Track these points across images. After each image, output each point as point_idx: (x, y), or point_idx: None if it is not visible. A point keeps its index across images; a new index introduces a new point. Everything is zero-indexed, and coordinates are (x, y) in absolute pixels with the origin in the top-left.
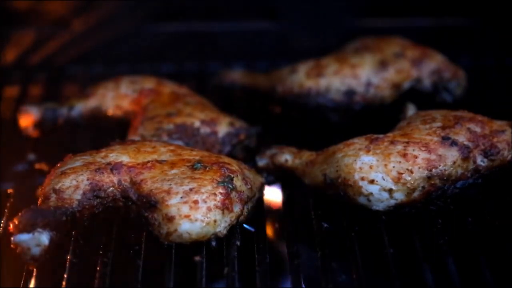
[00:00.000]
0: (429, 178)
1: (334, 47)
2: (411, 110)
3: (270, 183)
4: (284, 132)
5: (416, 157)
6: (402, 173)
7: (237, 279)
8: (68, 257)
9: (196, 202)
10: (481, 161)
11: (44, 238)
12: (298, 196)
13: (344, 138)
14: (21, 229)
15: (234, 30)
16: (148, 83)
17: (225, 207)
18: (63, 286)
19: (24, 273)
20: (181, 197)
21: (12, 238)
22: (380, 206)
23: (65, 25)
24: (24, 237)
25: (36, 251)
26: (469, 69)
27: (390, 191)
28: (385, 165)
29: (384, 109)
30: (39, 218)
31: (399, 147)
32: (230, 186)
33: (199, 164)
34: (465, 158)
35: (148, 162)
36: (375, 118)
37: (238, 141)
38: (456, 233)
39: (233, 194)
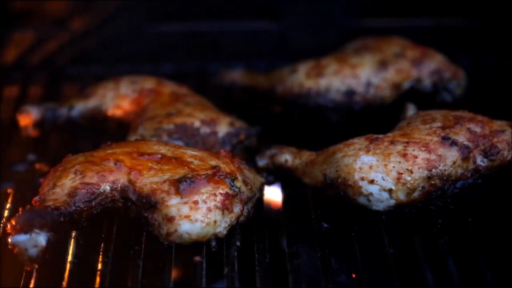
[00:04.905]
0: (429, 178)
1: (334, 47)
2: (411, 110)
3: (270, 183)
4: (284, 132)
5: (416, 157)
6: (402, 173)
7: (237, 279)
8: (68, 257)
9: (196, 202)
10: (481, 161)
11: (41, 239)
12: (298, 196)
13: (344, 138)
14: (18, 230)
15: (234, 30)
16: (148, 83)
17: (225, 208)
18: (63, 286)
19: (24, 273)
20: (181, 198)
21: (9, 239)
22: (380, 206)
23: (65, 25)
24: (21, 238)
25: (33, 252)
26: (469, 69)
27: (390, 191)
28: (385, 165)
29: (384, 109)
30: (36, 219)
31: (399, 147)
32: (236, 187)
33: None
34: (465, 158)
35: (148, 162)
36: (375, 118)
37: (238, 141)
38: (456, 233)
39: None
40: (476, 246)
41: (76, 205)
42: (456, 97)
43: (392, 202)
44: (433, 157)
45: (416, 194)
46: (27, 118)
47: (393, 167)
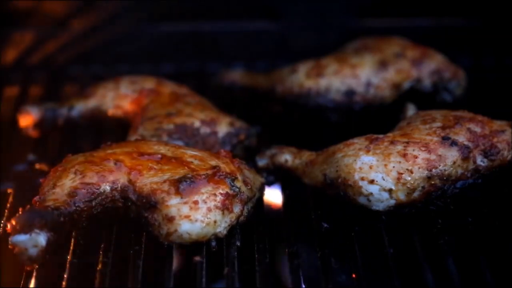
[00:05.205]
0: (429, 178)
1: (334, 47)
2: (411, 110)
3: (270, 183)
4: (284, 132)
5: (416, 157)
6: (402, 173)
7: (237, 279)
8: (68, 257)
9: (196, 202)
10: (481, 161)
11: (41, 239)
12: (298, 196)
13: (344, 138)
14: (18, 230)
15: (234, 30)
16: (148, 83)
17: (225, 208)
18: (63, 286)
19: (24, 273)
20: (181, 198)
21: (9, 239)
22: (380, 206)
23: (65, 25)
24: (21, 238)
25: (33, 252)
26: (469, 69)
27: (390, 191)
28: (385, 165)
29: (384, 109)
30: (36, 219)
31: (399, 147)
32: (236, 187)
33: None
34: (465, 158)
35: (148, 162)
36: (375, 118)
37: (238, 141)
38: (456, 233)
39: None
40: (476, 246)
41: (76, 205)
42: (456, 97)
43: (392, 202)
44: (433, 157)
45: (416, 194)
46: (27, 118)
47: (393, 167)
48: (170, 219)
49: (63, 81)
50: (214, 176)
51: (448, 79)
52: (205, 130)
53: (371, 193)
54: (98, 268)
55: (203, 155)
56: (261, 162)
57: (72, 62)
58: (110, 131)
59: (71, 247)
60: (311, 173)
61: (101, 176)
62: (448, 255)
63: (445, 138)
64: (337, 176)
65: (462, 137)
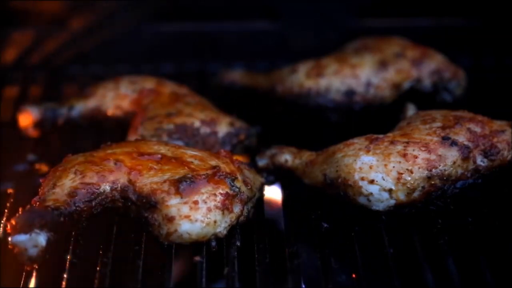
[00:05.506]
0: (429, 178)
1: (334, 47)
2: (411, 110)
3: (270, 183)
4: (284, 132)
5: (416, 157)
6: (402, 173)
7: (237, 279)
8: (68, 257)
9: (196, 202)
10: (481, 161)
11: (41, 239)
12: (298, 196)
13: (344, 138)
14: (18, 230)
15: (234, 30)
16: (148, 83)
17: (225, 208)
18: (63, 286)
19: (24, 273)
20: (181, 198)
21: (9, 239)
22: (380, 206)
23: (65, 25)
24: (21, 238)
25: (33, 252)
26: (469, 69)
27: (390, 191)
28: (385, 165)
29: (384, 109)
30: (36, 219)
31: (399, 147)
32: (236, 187)
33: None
34: (465, 158)
35: (148, 162)
36: (375, 118)
37: (238, 141)
38: (456, 233)
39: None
40: (476, 246)
41: (76, 205)
42: (456, 97)
43: (392, 202)
44: (433, 157)
45: (416, 194)
46: (27, 118)
47: (393, 167)
48: (170, 219)
49: (63, 81)
50: (214, 176)
51: (448, 79)
52: (205, 130)
53: (371, 193)
54: (98, 268)
55: (203, 155)
56: (261, 162)
57: (71, 62)
58: (110, 131)
59: (71, 247)
60: (311, 173)
61: (101, 176)
62: (448, 255)
63: (445, 138)
64: (337, 176)
65: (462, 137)
